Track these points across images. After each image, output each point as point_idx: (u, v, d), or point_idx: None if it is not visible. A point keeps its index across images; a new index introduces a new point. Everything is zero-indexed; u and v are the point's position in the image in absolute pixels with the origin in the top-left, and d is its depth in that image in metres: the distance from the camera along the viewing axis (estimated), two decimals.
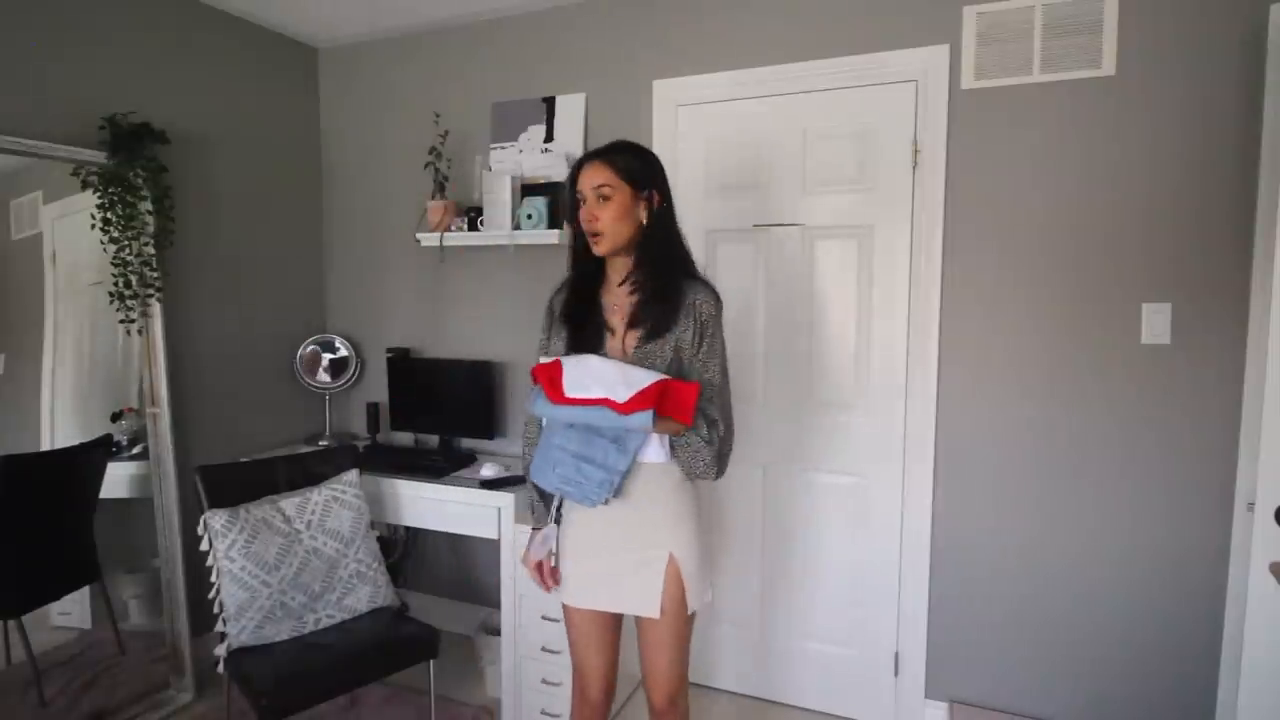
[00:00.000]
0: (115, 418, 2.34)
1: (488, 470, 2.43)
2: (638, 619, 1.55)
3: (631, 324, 1.51)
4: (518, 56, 2.66)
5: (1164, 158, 1.94)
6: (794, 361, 2.37)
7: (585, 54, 2.55)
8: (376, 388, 2.97)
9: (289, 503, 2.19)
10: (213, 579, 2.05)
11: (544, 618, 2.20)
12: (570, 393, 1.43)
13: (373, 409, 2.87)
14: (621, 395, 1.38)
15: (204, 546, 2.05)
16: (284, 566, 2.07)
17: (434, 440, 2.81)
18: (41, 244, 2.17)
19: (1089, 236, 2.02)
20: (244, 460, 2.40)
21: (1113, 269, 2.00)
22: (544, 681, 2.22)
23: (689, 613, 1.55)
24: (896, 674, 2.32)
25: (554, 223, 2.49)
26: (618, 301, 1.55)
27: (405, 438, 2.95)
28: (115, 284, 2.20)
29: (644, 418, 1.36)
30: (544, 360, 1.52)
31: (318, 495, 2.24)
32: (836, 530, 2.36)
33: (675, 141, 2.43)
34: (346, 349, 2.97)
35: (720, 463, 1.51)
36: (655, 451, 1.50)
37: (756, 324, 2.40)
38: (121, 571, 2.42)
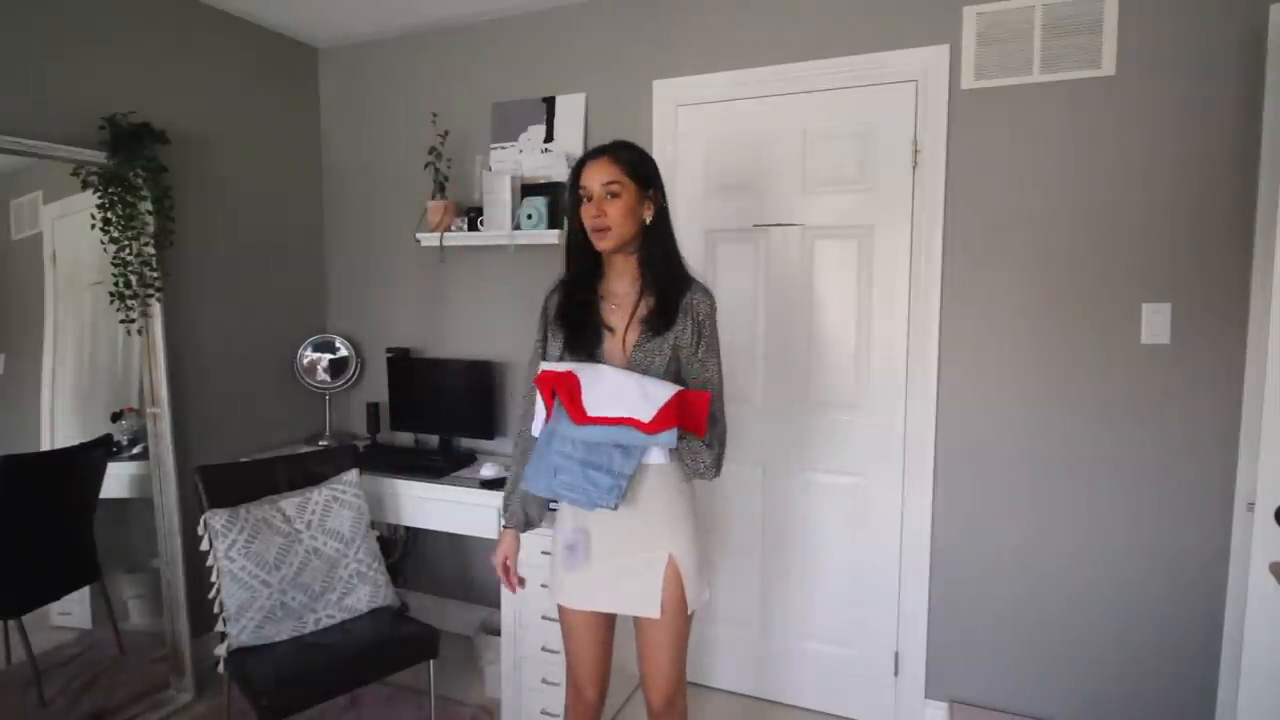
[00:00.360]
0: (115, 418, 2.34)
1: (487, 470, 2.43)
2: (636, 619, 1.55)
3: (645, 323, 1.50)
4: (518, 56, 2.66)
5: (1164, 158, 1.94)
6: (794, 361, 2.36)
7: (585, 54, 2.55)
8: (376, 388, 2.97)
9: (289, 503, 2.19)
10: (213, 579, 2.05)
11: (544, 618, 2.19)
12: (593, 411, 1.44)
13: (373, 409, 2.88)
14: (644, 412, 1.40)
15: (204, 546, 2.05)
16: (284, 566, 2.08)
17: (434, 440, 2.82)
18: (41, 244, 2.17)
19: (1089, 236, 2.02)
20: (244, 460, 2.40)
21: (1113, 269, 2.00)
22: (544, 681, 2.22)
23: (688, 612, 1.55)
24: (896, 674, 2.32)
25: (554, 223, 2.49)
26: (618, 301, 1.55)
27: (405, 438, 2.95)
28: (115, 284, 2.20)
29: (669, 436, 1.41)
30: (546, 367, 1.51)
31: (318, 495, 2.24)
32: (836, 530, 2.36)
33: (675, 141, 2.43)
34: (346, 349, 2.97)
35: (719, 463, 1.53)
36: (655, 453, 1.50)
37: (756, 324, 2.40)
38: (121, 571, 2.42)
